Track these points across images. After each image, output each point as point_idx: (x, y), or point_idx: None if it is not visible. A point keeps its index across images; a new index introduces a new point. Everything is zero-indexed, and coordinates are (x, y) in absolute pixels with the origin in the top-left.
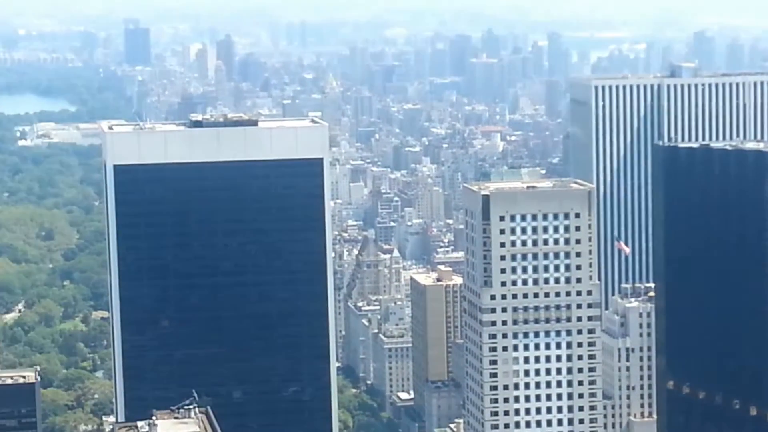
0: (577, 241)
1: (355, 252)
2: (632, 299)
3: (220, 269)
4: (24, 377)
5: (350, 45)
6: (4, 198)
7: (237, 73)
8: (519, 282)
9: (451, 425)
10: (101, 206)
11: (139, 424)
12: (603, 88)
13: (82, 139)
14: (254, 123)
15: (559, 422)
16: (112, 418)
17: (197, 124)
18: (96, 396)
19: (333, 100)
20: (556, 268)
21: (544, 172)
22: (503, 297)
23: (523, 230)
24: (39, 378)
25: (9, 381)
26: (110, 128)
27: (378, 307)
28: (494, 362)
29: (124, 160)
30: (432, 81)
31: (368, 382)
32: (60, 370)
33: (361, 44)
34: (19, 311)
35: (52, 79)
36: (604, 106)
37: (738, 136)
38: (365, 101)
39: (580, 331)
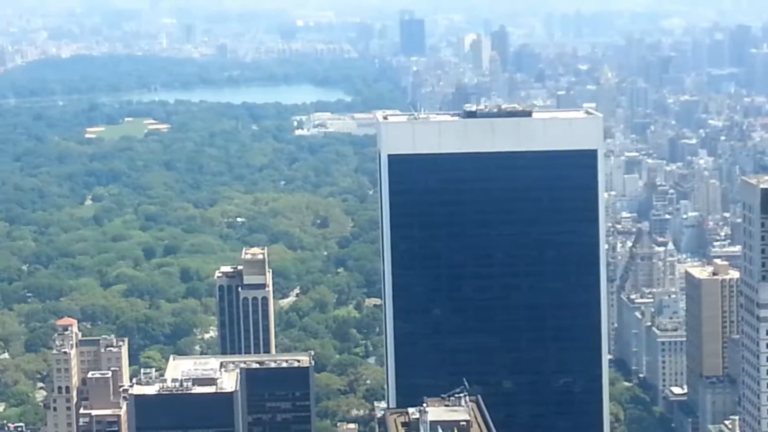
0: None
1: (629, 244)
2: None
3: (493, 259)
4: (299, 361)
5: (626, 35)
6: (281, 186)
7: (511, 63)
8: None
9: (726, 422)
10: (375, 195)
11: (410, 410)
12: None
13: (357, 129)
14: (528, 114)
15: None
16: (383, 404)
17: (471, 114)
18: (368, 382)
19: (608, 91)
20: None
21: None
22: None
23: None
24: (313, 362)
25: (284, 364)
26: (385, 118)
27: (651, 300)
28: None
29: (399, 150)
30: (709, 72)
31: (640, 375)
32: (333, 355)
33: (637, 35)
34: (296, 296)
35: (328, 70)
36: None
37: None
38: (641, 92)
39: None
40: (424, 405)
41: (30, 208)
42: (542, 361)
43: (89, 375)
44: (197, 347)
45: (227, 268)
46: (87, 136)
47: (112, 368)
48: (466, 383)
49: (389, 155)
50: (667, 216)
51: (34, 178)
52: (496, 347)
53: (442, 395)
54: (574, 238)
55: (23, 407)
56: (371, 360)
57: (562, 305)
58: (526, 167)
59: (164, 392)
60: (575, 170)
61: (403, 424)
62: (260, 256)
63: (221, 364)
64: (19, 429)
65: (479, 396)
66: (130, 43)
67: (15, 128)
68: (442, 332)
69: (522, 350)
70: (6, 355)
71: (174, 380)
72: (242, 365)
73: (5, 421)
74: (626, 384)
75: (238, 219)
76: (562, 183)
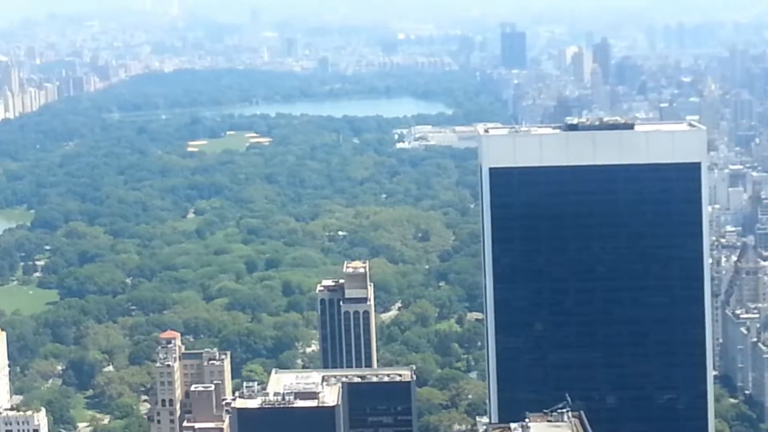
0: None
1: (734, 258)
2: None
3: (595, 273)
4: (400, 375)
5: (730, 47)
6: (382, 199)
7: (613, 76)
8: None
9: None
10: (477, 208)
11: (512, 425)
12: None
13: (458, 142)
14: (630, 126)
15: None
16: (485, 419)
17: (572, 127)
18: (470, 396)
19: (711, 104)
20: None
21: None
22: None
23: None
24: (415, 377)
25: (386, 379)
26: (486, 131)
27: (757, 315)
28: None
29: (500, 163)
30: None
31: (746, 392)
32: (435, 369)
33: (741, 46)
34: (397, 310)
35: (429, 83)
36: None
37: None
38: (745, 104)
39: None
40: (527, 420)
41: (133, 222)
42: (646, 376)
43: (192, 388)
44: (299, 361)
45: (329, 282)
46: (189, 149)
47: (215, 381)
48: (568, 398)
49: (490, 168)
50: None
51: (137, 192)
52: (598, 362)
53: (545, 410)
54: (678, 252)
55: (127, 419)
56: (473, 374)
57: (665, 320)
58: (628, 180)
59: (266, 406)
60: (678, 183)
61: None
62: (362, 270)
63: (323, 378)
64: None
65: (582, 411)
66: (232, 57)
67: (119, 142)
68: (544, 347)
69: (625, 366)
70: (110, 368)
71: (276, 394)
72: (344, 379)
73: None
74: (732, 401)
75: (340, 232)
76: (665, 196)
